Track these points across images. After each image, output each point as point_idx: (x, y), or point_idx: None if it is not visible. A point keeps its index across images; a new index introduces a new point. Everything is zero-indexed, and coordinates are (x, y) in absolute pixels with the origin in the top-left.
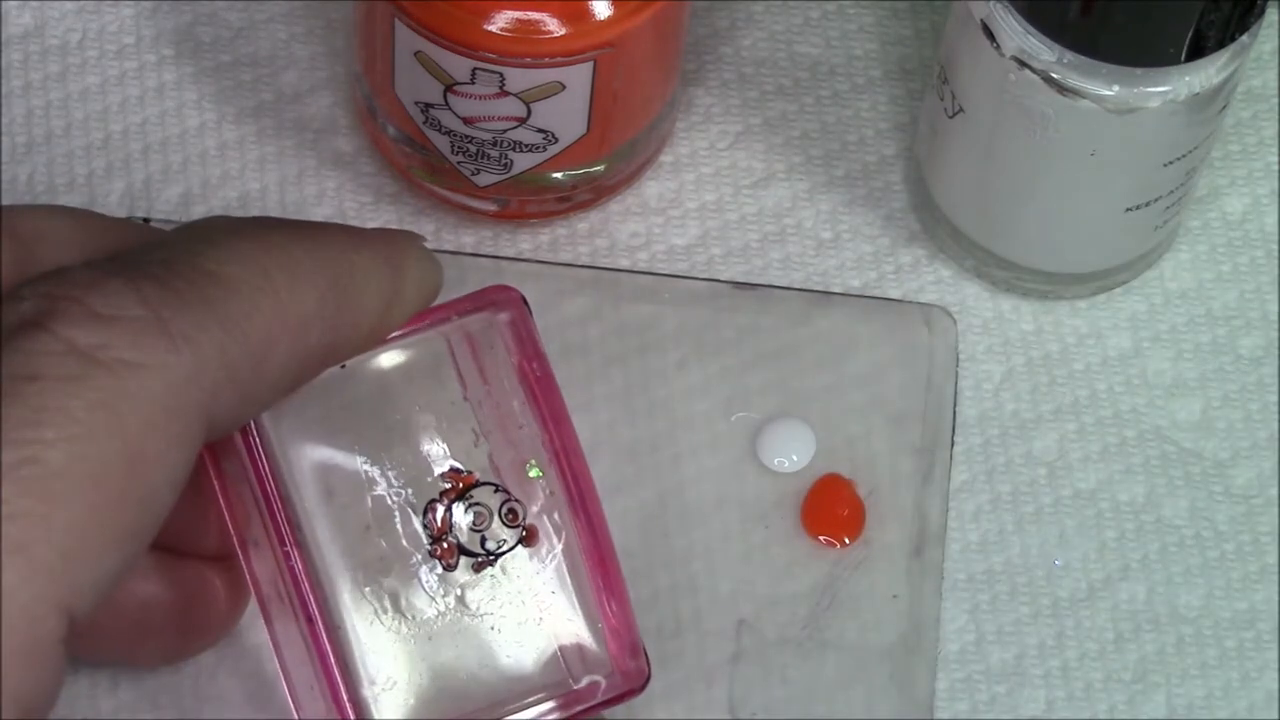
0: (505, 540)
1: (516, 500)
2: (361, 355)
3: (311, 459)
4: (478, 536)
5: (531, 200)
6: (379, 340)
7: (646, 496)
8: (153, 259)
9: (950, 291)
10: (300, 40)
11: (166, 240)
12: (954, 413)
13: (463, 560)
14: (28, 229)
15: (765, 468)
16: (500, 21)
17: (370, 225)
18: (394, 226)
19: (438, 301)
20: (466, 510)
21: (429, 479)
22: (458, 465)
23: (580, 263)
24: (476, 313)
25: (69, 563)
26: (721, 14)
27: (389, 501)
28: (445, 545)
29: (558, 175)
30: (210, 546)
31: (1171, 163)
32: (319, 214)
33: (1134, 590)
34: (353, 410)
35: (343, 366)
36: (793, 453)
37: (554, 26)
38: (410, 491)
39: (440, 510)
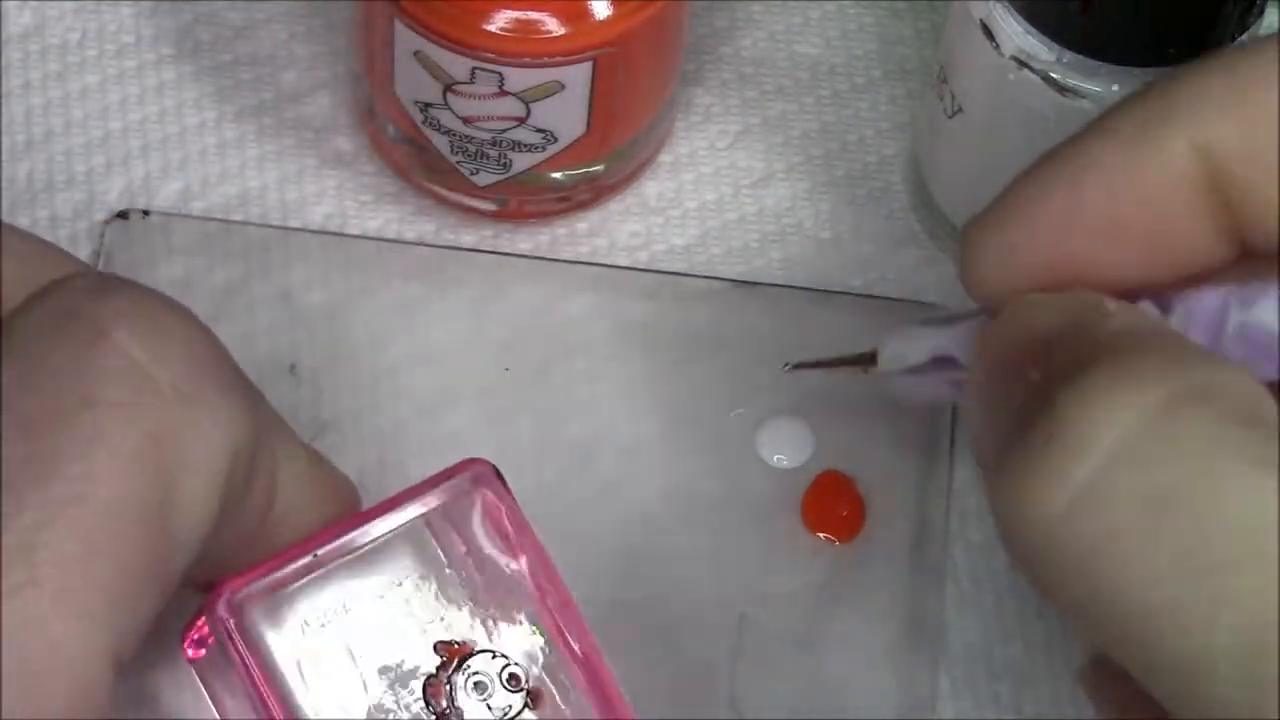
0: (511, 706)
1: (516, 664)
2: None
3: (293, 653)
4: (482, 705)
5: (531, 200)
6: None
7: (647, 494)
8: None
9: (950, 292)
10: (300, 40)
11: None
12: (954, 408)
13: None
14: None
15: (765, 464)
16: (500, 21)
17: (369, 224)
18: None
19: None
20: (466, 681)
21: (421, 655)
22: (447, 638)
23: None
24: (449, 487)
25: (116, 609)
26: (721, 14)
27: (385, 687)
28: None
29: (557, 175)
30: None
31: None
32: (319, 212)
33: None
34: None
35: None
36: (792, 449)
37: (554, 26)
38: (402, 670)
39: (444, 686)
